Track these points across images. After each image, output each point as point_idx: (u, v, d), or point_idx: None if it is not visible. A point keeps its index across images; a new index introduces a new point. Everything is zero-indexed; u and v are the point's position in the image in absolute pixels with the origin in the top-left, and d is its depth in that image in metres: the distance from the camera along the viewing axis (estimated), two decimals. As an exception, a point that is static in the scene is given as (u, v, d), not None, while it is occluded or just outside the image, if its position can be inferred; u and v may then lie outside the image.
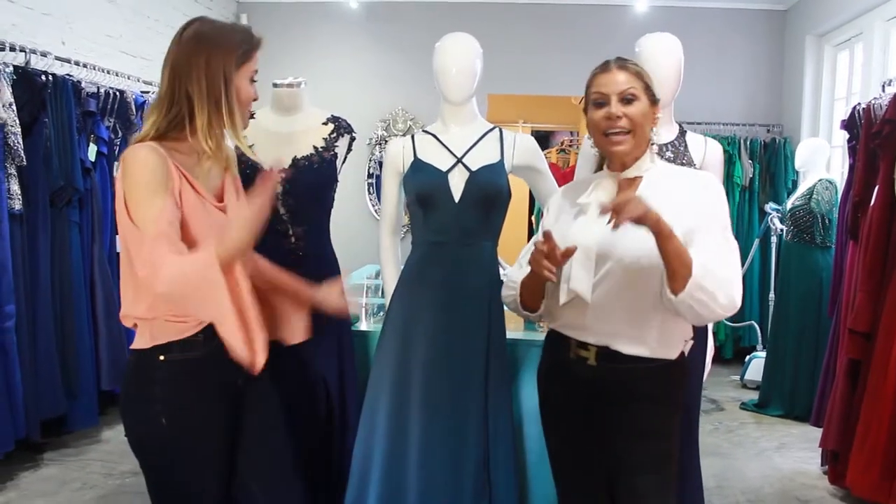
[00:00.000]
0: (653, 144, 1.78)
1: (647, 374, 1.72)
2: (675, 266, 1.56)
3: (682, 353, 1.78)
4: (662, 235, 1.54)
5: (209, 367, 1.66)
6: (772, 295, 5.03)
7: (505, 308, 2.22)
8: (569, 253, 1.60)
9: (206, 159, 1.65)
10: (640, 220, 1.52)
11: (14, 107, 3.38)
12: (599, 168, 1.85)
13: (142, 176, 1.54)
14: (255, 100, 1.74)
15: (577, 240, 1.70)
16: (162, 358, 1.62)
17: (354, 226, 5.78)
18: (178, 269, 1.49)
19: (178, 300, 1.56)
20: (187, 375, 1.64)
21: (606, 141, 1.72)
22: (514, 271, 1.89)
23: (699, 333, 2.23)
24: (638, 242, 1.63)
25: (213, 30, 1.66)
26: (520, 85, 6.31)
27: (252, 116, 2.42)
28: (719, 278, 1.56)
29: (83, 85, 3.95)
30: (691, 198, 1.69)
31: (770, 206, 5.12)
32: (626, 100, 1.71)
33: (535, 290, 1.80)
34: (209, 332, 1.64)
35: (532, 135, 6.72)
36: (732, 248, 1.66)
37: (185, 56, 1.62)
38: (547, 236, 1.62)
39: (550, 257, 1.59)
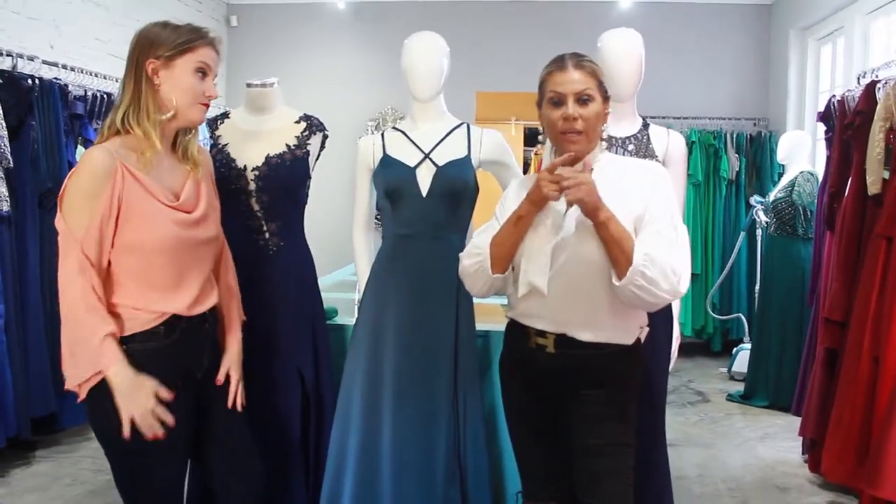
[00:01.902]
0: (603, 140, 1.82)
1: (603, 360, 1.77)
2: (615, 254, 1.64)
3: (638, 339, 1.83)
4: (597, 223, 1.64)
5: (168, 358, 1.73)
6: (757, 287, 5.08)
7: (474, 299, 2.28)
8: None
9: (147, 149, 1.71)
10: (577, 203, 1.62)
11: (0, 111, 3.44)
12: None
13: (85, 181, 1.65)
14: (210, 96, 1.79)
15: (534, 233, 1.76)
16: (123, 348, 1.67)
17: (343, 224, 5.80)
18: (69, 298, 1.66)
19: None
20: (146, 366, 1.69)
21: (561, 139, 1.76)
22: (476, 239, 1.86)
23: (665, 323, 2.28)
24: (592, 235, 1.69)
25: (151, 28, 1.75)
26: (509, 82, 6.33)
27: (227, 116, 2.51)
28: (661, 267, 1.62)
29: (70, 88, 4.00)
30: (640, 186, 1.74)
31: (755, 199, 5.15)
32: (582, 101, 1.73)
33: (515, 243, 1.76)
34: (170, 324, 1.72)
35: (525, 132, 6.79)
36: (681, 235, 1.71)
37: (127, 55, 1.74)
38: (553, 167, 1.68)
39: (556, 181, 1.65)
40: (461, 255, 1.89)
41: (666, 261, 1.63)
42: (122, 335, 1.68)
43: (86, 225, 1.63)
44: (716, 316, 5.79)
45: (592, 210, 1.63)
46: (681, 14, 6.22)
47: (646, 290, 1.63)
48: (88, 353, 1.62)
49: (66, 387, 1.69)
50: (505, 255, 1.78)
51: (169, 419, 1.66)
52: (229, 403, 1.91)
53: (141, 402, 1.64)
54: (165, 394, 1.66)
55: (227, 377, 1.92)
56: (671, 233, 1.69)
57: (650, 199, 1.72)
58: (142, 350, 1.69)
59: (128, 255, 1.68)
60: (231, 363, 1.94)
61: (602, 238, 1.64)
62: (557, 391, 1.81)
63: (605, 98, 1.79)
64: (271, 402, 2.33)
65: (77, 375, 1.64)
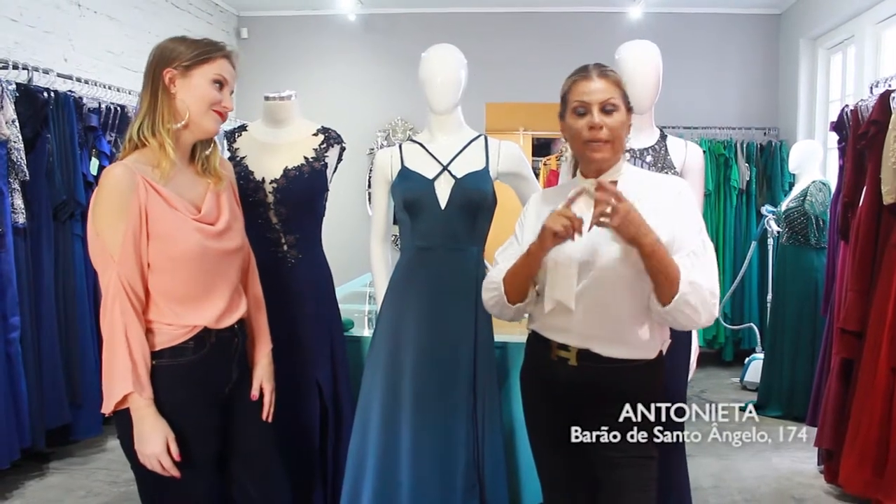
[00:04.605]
0: (625, 152, 1.82)
1: (626, 373, 1.76)
2: (660, 281, 1.63)
3: (661, 351, 1.82)
4: (643, 253, 1.61)
5: (197, 374, 1.73)
6: (769, 297, 5.07)
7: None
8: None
9: (163, 159, 1.71)
10: (618, 231, 1.58)
11: (17, 123, 3.46)
12: (574, 173, 1.89)
13: (112, 197, 1.64)
14: (226, 107, 1.79)
15: (559, 249, 1.72)
16: (153, 363, 1.67)
17: (355, 235, 5.83)
18: (108, 321, 1.64)
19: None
20: (176, 380, 1.69)
21: (587, 149, 1.75)
22: (492, 272, 1.90)
23: (683, 334, 2.28)
24: (618, 251, 1.68)
25: (168, 42, 1.78)
26: (519, 93, 6.38)
27: (245, 129, 2.52)
28: (703, 296, 1.63)
29: (85, 101, 4.03)
30: (666, 206, 1.72)
31: (766, 209, 5.15)
32: (607, 110, 1.73)
33: (528, 276, 1.78)
34: (199, 339, 1.72)
35: (533, 142, 6.79)
36: (710, 253, 1.71)
37: (145, 69, 1.76)
38: (568, 203, 1.66)
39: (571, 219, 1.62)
40: (483, 287, 1.92)
41: (706, 286, 1.63)
42: (153, 350, 1.68)
43: (121, 242, 1.62)
44: (727, 326, 5.78)
45: (634, 237, 1.59)
46: (690, 24, 6.24)
47: (687, 317, 1.65)
48: (123, 373, 1.62)
49: (103, 409, 1.68)
50: (518, 286, 1.81)
51: (175, 472, 1.66)
52: (263, 416, 1.91)
53: (152, 444, 1.64)
54: (175, 451, 1.66)
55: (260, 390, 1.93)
56: (703, 251, 1.69)
57: (678, 221, 1.70)
58: (172, 366, 1.69)
59: (155, 270, 1.68)
60: (263, 376, 1.94)
61: (646, 266, 1.63)
62: (578, 402, 1.80)
63: (629, 108, 1.79)
64: (290, 413, 2.33)
65: (112, 395, 1.64)
